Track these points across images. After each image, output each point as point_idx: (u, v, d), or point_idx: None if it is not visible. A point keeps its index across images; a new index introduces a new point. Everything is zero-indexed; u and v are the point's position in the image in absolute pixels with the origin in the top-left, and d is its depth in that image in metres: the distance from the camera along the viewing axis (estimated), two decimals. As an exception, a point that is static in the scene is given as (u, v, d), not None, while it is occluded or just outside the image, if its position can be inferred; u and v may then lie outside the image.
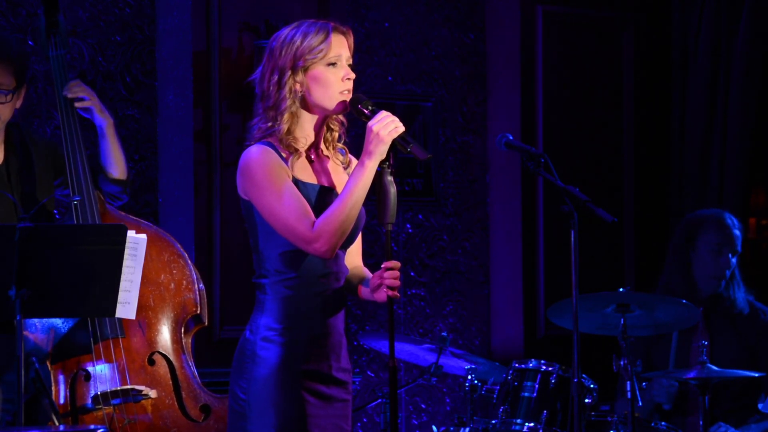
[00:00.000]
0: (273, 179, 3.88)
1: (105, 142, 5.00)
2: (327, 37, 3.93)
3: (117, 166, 5.02)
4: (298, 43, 3.93)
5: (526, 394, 5.21)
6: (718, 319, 5.91)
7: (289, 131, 3.94)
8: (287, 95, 3.93)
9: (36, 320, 4.75)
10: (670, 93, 7.36)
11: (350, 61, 3.98)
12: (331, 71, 3.94)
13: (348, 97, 3.95)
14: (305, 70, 3.93)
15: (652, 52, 7.39)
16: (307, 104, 3.97)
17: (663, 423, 5.36)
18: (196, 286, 4.99)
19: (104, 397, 4.78)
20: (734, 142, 7.10)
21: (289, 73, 3.93)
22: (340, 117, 4.04)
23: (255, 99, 4.02)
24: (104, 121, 4.99)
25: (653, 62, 7.39)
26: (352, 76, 3.96)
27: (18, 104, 4.88)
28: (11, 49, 4.88)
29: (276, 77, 3.94)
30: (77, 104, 4.94)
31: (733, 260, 5.92)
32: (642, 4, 7.37)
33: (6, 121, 4.85)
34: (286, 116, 3.94)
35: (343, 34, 3.98)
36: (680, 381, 5.64)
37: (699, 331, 5.81)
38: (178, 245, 5.00)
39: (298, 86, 3.94)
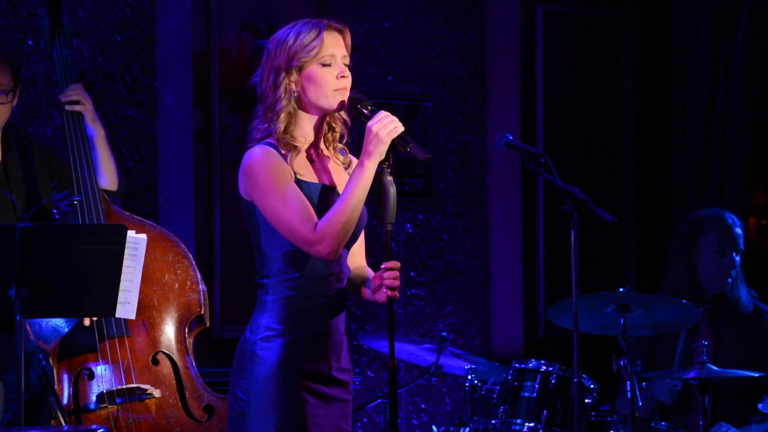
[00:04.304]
0: (276, 181, 3.88)
1: (95, 153, 4.98)
2: (319, 34, 3.91)
3: (107, 177, 5.00)
4: (291, 42, 3.92)
5: (526, 394, 5.21)
6: (722, 319, 5.90)
7: (287, 130, 3.93)
8: (282, 95, 3.92)
9: (41, 319, 4.75)
10: (670, 93, 7.35)
11: (347, 60, 3.96)
12: (326, 70, 3.92)
13: (345, 95, 3.94)
14: (299, 69, 3.92)
15: (652, 52, 7.39)
16: (303, 104, 3.96)
17: (663, 423, 5.36)
18: (200, 286, 5.00)
19: (108, 396, 4.79)
20: (734, 142, 7.10)
21: (284, 73, 3.92)
22: (343, 116, 4.02)
23: (257, 102, 4.02)
24: (95, 132, 4.97)
25: (653, 62, 7.39)
26: (347, 74, 3.94)
27: (14, 102, 4.88)
28: (8, 49, 4.88)
29: (272, 78, 3.94)
30: (68, 107, 4.92)
31: (737, 258, 5.92)
32: (642, 4, 7.37)
33: (5, 121, 4.85)
34: (282, 116, 3.93)
35: (338, 31, 3.96)
36: (681, 380, 5.64)
37: (703, 332, 5.80)
38: (183, 246, 5.01)
39: (293, 86, 3.93)
